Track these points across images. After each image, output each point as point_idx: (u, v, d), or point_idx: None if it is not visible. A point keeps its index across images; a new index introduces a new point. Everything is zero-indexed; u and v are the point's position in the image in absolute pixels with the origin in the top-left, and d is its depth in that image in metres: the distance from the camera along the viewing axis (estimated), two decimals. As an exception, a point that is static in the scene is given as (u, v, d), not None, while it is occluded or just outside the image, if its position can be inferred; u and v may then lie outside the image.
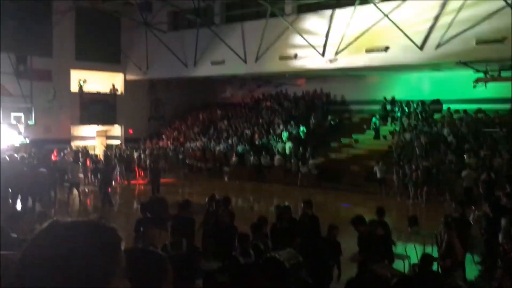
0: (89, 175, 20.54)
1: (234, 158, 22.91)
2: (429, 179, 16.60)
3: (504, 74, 18.81)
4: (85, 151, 23.58)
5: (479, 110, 20.44)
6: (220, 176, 22.79)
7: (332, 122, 24.12)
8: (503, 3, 15.76)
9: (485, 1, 16.28)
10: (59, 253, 1.08)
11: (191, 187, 21.02)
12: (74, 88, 26.53)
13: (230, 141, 24.72)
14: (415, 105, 22.38)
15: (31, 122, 22.18)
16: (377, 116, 22.45)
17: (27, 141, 21.81)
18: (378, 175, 17.92)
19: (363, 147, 22.15)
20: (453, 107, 21.10)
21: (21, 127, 21.77)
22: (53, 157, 20.58)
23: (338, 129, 23.89)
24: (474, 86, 19.94)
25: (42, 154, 19.83)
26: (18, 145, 21.16)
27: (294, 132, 23.38)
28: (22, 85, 22.66)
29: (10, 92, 22.67)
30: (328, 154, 22.15)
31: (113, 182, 18.52)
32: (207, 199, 9.50)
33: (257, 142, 23.86)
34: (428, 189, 16.55)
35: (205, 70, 24.57)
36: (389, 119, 22.77)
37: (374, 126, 22.11)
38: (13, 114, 21.66)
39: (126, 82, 28.38)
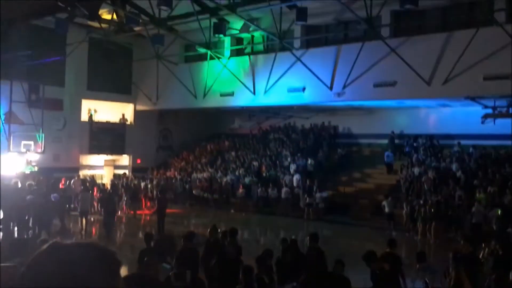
0: (96, 204, 20.51)
1: (241, 190, 22.84)
2: (438, 215, 16.39)
3: (512, 110, 18.82)
4: (92, 180, 23.66)
5: (488, 146, 20.32)
6: (226, 207, 22.69)
7: (343, 153, 24.13)
8: (509, 39, 15.90)
9: (492, 37, 16.44)
10: (58, 273, 1.09)
11: (197, 218, 20.92)
12: (84, 117, 26.87)
13: (237, 173, 24.70)
14: (423, 140, 22.34)
15: (41, 150, 22.36)
16: (390, 151, 22.36)
17: (36, 169, 21.93)
18: (387, 209, 17.72)
19: (372, 181, 22.03)
20: (462, 142, 21.00)
21: (31, 155, 21.94)
22: (60, 185, 20.64)
23: (346, 162, 23.84)
24: (483, 122, 19.95)
25: (51, 182, 19.89)
26: (27, 173, 21.25)
27: (302, 164, 23.34)
28: (33, 114, 22.99)
29: (22, 120, 23.00)
30: (336, 187, 22.03)
31: (118, 212, 18.51)
32: (208, 230, 9.39)
33: (264, 174, 23.83)
34: (437, 225, 16.32)
35: (214, 101, 24.84)
36: (398, 153, 22.69)
37: (386, 160, 21.97)
38: (23, 142, 21.87)
39: (136, 112, 28.70)
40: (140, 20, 21.65)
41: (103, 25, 22.86)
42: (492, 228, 14.48)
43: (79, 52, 25.10)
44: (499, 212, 14.75)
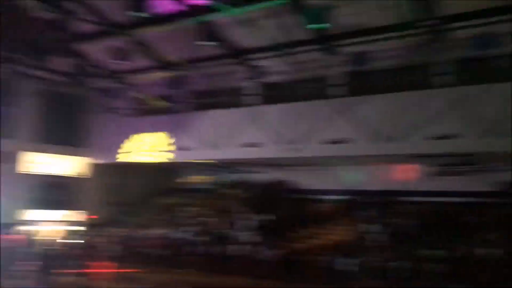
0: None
1: (195, 247, 22.08)
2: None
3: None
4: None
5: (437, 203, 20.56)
6: (184, 266, 21.70)
7: (300, 208, 23.83)
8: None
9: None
10: None
11: (151, 277, 19.92)
12: (34, 170, 25.87)
13: (191, 229, 23.97)
14: (378, 196, 22.36)
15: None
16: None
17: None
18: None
19: (330, 237, 21.64)
20: (413, 199, 21.14)
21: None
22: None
23: (304, 218, 23.44)
24: (432, 179, 20.26)
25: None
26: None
27: (256, 220, 22.89)
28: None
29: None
30: (292, 243, 21.49)
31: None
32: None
33: (219, 231, 23.19)
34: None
35: (168, 154, 24.50)
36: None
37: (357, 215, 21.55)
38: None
39: (88, 166, 27.87)
40: (94, 73, 21.50)
41: (54, 77, 22.48)
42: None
43: (31, 103, 24.51)
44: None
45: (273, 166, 25.91)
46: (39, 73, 22.76)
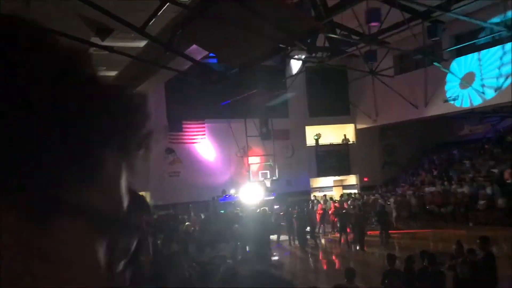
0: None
1: (481, 202, 20.61)
2: None
3: None
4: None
5: None
6: (466, 221, 20.69)
7: None
8: None
9: None
10: None
11: (435, 234, 19.60)
12: (309, 143, 28.35)
13: (474, 183, 22.42)
14: None
15: (275, 177, 24.29)
16: None
17: (273, 195, 23.87)
18: None
19: None
20: None
21: (268, 183, 23.99)
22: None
23: None
24: None
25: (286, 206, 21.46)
26: (266, 200, 23.23)
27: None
28: (265, 145, 25.34)
29: (257, 152, 25.64)
30: None
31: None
32: (454, 247, 8.71)
33: (508, 181, 21.05)
34: None
35: (437, 109, 23.36)
36: None
37: None
38: (260, 172, 24.15)
39: (357, 131, 28.94)
40: (351, 41, 21.94)
41: (318, 54, 23.88)
42: None
43: (298, 83, 26.78)
44: None
45: None
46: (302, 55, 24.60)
